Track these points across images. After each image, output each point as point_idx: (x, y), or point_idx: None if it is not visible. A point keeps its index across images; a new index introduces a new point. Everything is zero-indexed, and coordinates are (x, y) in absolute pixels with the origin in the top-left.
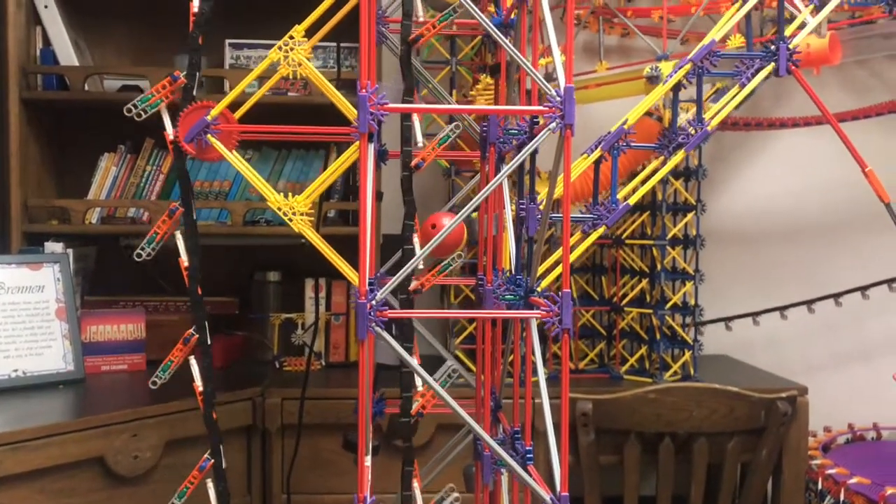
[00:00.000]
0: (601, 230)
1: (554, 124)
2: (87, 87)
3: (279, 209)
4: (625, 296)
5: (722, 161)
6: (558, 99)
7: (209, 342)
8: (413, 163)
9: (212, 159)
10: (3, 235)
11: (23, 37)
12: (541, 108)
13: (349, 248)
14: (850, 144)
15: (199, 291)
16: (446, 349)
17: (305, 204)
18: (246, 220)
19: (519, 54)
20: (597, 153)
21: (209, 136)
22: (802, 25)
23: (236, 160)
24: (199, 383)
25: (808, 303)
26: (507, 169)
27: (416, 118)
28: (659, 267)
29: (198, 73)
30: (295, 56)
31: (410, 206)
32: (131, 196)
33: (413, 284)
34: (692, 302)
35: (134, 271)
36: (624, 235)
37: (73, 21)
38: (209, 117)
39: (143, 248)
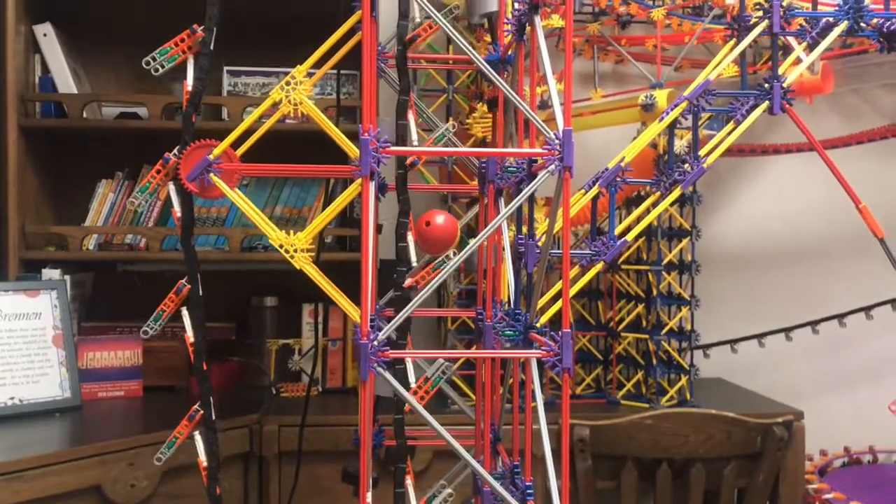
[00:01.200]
0: (599, 266)
1: (553, 167)
2: (85, 115)
3: (280, 246)
4: (621, 320)
5: (716, 186)
6: (557, 142)
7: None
8: (409, 161)
9: (214, 197)
10: (0, 262)
11: (22, 65)
12: (539, 150)
13: (347, 273)
14: (844, 180)
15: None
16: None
17: (306, 240)
18: (243, 246)
19: (516, 96)
20: (594, 190)
21: (212, 175)
22: (796, 60)
23: (239, 199)
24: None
25: (812, 324)
26: (506, 212)
27: (411, 118)
28: (655, 292)
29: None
30: (296, 96)
31: (405, 203)
32: (129, 222)
33: (408, 282)
34: (688, 327)
35: (131, 297)
36: (620, 260)
37: (71, 49)
38: (211, 156)
39: (150, 326)
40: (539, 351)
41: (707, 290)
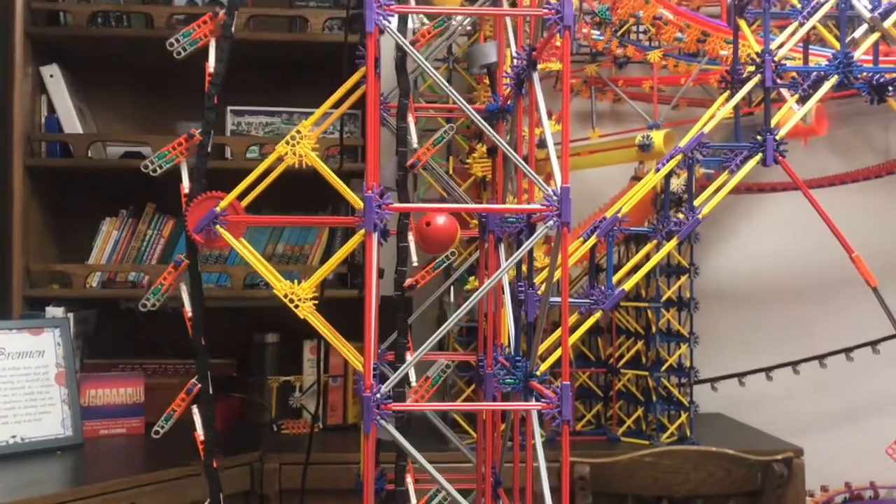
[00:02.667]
0: (597, 315)
1: (551, 222)
2: (90, 154)
3: (285, 296)
4: (621, 357)
5: (714, 223)
6: (555, 198)
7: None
8: (409, 162)
9: (220, 247)
10: (4, 300)
11: (28, 105)
12: (538, 206)
13: (348, 311)
14: (836, 229)
15: (203, 341)
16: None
17: (309, 290)
18: (245, 283)
19: (513, 153)
20: (592, 240)
21: (218, 227)
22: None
23: (245, 250)
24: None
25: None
26: (506, 266)
27: (411, 120)
28: (654, 329)
29: (212, 132)
30: (301, 150)
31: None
32: (132, 260)
33: (408, 281)
34: (688, 363)
35: (133, 334)
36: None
37: (77, 89)
38: (218, 208)
39: (147, 300)
40: (539, 403)
41: (705, 326)
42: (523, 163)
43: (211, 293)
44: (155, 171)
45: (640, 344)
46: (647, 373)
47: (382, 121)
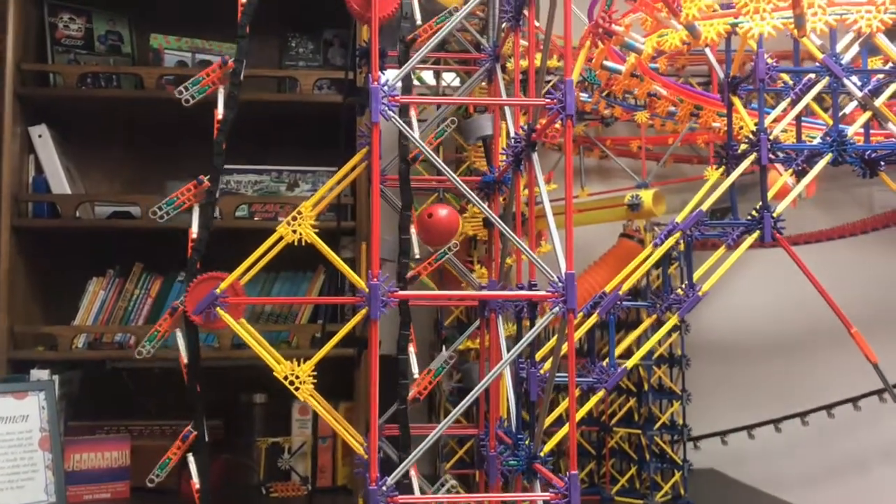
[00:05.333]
0: (601, 394)
1: (557, 308)
2: (77, 214)
3: (285, 378)
4: (613, 414)
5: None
6: (560, 284)
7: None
8: (410, 155)
9: (219, 328)
10: None
11: (16, 165)
12: (543, 293)
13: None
14: (834, 304)
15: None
16: (436, 471)
17: (309, 370)
18: (233, 343)
19: (515, 236)
20: (593, 318)
21: (218, 309)
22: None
23: (244, 332)
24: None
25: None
26: (510, 356)
27: (413, 114)
28: (646, 386)
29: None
30: (302, 230)
31: (407, 195)
32: (119, 320)
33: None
34: (680, 421)
35: (119, 394)
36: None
37: (65, 148)
38: (218, 290)
39: (143, 346)
40: (547, 494)
41: (696, 381)
42: (524, 246)
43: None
44: (188, 101)
45: (632, 401)
46: (639, 431)
47: (382, 194)
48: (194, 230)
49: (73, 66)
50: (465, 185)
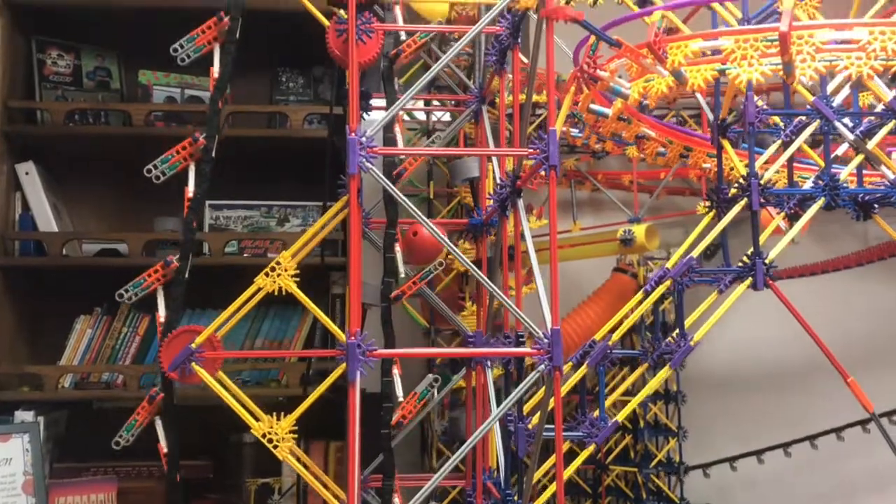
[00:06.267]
0: (590, 449)
1: (543, 366)
2: (64, 252)
3: (264, 436)
4: (609, 451)
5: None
6: (546, 341)
7: None
8: (395, 171)
9: (194, 383)
10: None
11: (2, 203)
12: (529, 350)
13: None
14: (831, 355)
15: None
16: None
17: (288, 426)
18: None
19: (500, 292)
20: (582, 370)
21: (193, 364)
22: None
23: (221, 388)
24: None
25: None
26: (494, 416)
27: (398, 131)
28: (642, 423)
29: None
30: (281, 282)
31: (393, 213)
32: (106, 358)
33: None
34: (677, 458)
35: (106, 435)
36: (605, 390)
37: (53, 185)
38: (194, 345)
39: (120, 436)
40: None
41: (693, 416)
42: (512, 305)
43: (187, 392)
44: (158, 177)
45: (628, 438)
46: (636, 468)
47: (364, 235)
48: (161, 315)
49: (61, 102)
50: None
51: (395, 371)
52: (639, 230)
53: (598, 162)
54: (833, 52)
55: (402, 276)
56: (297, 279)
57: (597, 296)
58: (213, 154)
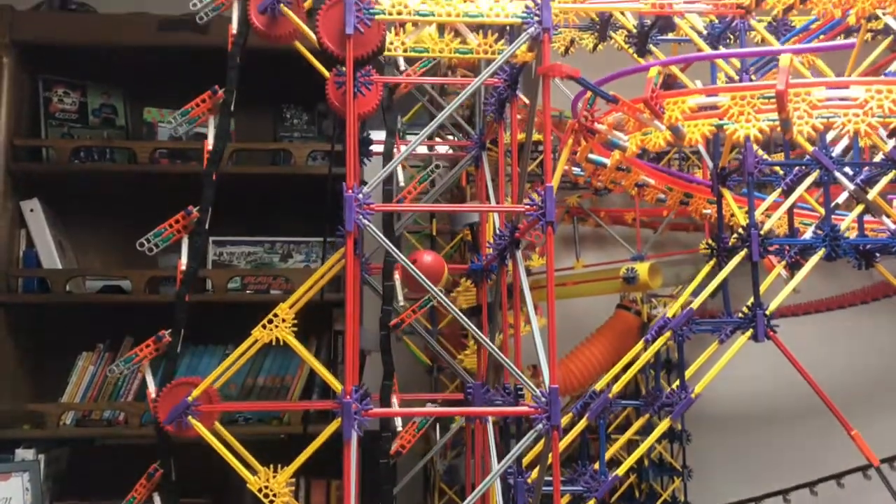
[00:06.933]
0: (592, 502)
1: (541, 425)
2: (68, 289)
3: (260, 491)
4: (614, 490)
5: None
6: (543, 399)
7: None
8: (395, 198)
9: (192, 436)
10: None
11: (6, 240)
12: (527, 409)
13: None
14: (833, 407)
15: None
16: None
17: (283, 482)
18: (223, 419)
19: (502, 355)
20: (583, 423)
21: (190, 417)
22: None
23: (218, 444)
24: None
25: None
26: (493, 475)
27: (399, 169)
28: (646, 462)
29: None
30: (279, 334)
31: (391, 234)
32: (108, 395)
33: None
34: (682, 498)
35: (108, 472)
36: (609, 429)
37: (57, 221)
38: (190, 398)
39: None
40: None
41: (696, 453)
42: (509, 362)
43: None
44: (151, 250)
45: (633, 477)
46: None
47: (364, 281)
48: (184, 261)
49: (66, 140)
50: (445, 299)
51: (394, 399)
52: (642, 268)
53: (600, 199)
54: (830, 109)
55: (402, 303)
56: (296, 328)
57: (600, 333)
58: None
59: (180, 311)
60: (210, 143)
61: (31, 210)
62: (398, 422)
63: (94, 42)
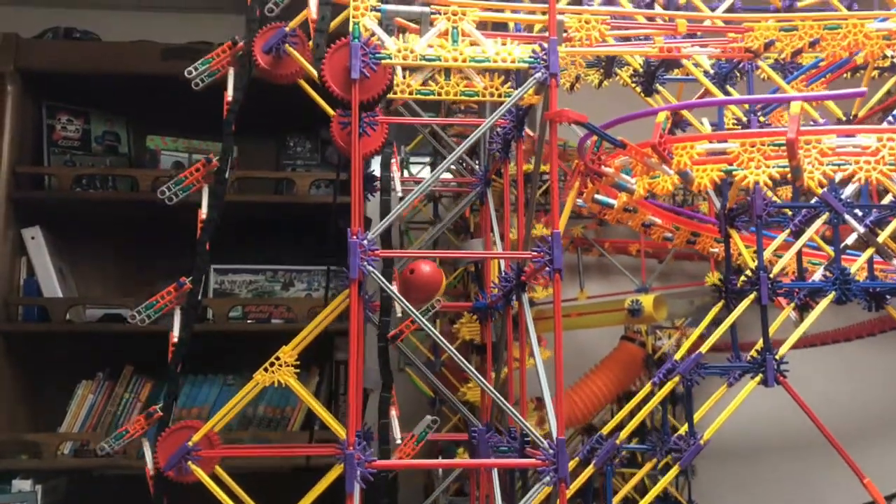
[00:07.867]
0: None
1: (548, 478)
2: (68, 317)
3: None
4: None
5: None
6: (551, 451)
7: None
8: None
9: (192, 481)
10: None
11: (7, 268)
12: (535, 461)
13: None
14: (843, 451)
15: None
16: None
17: None
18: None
19: (504, 401)
20: (590, 469)
21: (190, 463)
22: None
23: (218, 490)
24: None
25: None
26: None
27: (395, 172)
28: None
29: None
30: (280, 377)
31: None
32: (108, 424)
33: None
34: None
35: (106, 502)
36: (614, 461)
37: (58, 249)
38: (191, 443)
39: (107, 443)
40: None
41: (701, 486)
42: (512, 409)
43: None
44: (170, 199)
45: None
46: None
47: (367, 319)
48: (175, 333)
49: (69, 167)
50: (452, 348)
51: (393, 413)
52: (647, 301)
53: (605, 229)
54: (841, 157)
55: (399, 315)
56: (298, 366)
57: (604, 365)
58: (199, 296)
59: (202, 259)
60: (203, 211)
61: (33, 238)
62: (397, 433)
63: (97, 70)
